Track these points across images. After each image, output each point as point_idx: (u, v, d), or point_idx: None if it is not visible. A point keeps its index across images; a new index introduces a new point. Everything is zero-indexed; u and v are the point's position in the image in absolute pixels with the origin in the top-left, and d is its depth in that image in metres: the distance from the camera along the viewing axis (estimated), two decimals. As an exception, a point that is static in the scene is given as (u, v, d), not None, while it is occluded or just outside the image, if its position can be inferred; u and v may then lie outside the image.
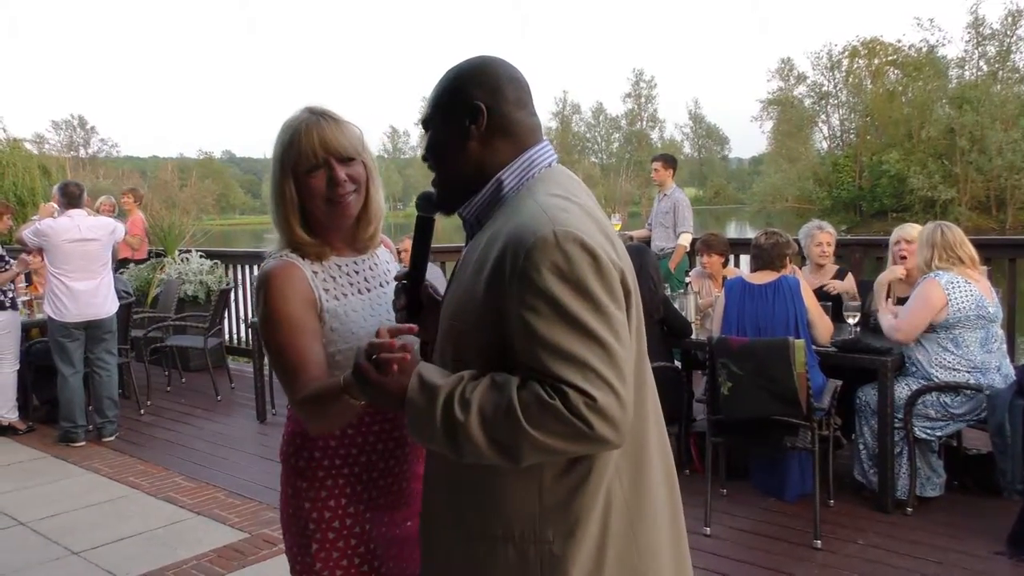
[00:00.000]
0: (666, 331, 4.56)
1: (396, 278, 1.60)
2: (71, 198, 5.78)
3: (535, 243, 1.23)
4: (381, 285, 1.79)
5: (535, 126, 1.45)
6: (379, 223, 1.78)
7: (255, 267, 8.75)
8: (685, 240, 7.13)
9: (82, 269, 5.68)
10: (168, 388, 7.45)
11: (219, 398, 6.98)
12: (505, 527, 1.33)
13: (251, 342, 6.65)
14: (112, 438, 5.88)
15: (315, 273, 1.67)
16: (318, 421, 1.55)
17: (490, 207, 1.41)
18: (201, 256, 8.47)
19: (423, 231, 1.52)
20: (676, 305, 4.92)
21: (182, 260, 8.43)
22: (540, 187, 1.37)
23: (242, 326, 8.79)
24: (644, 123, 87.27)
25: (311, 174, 1.64)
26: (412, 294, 1.53)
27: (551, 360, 1.20)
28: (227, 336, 8.45)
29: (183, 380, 7.70)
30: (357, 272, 1.75)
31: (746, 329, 4.11)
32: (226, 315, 7.99)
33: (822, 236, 5.05)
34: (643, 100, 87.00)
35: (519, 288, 1.23)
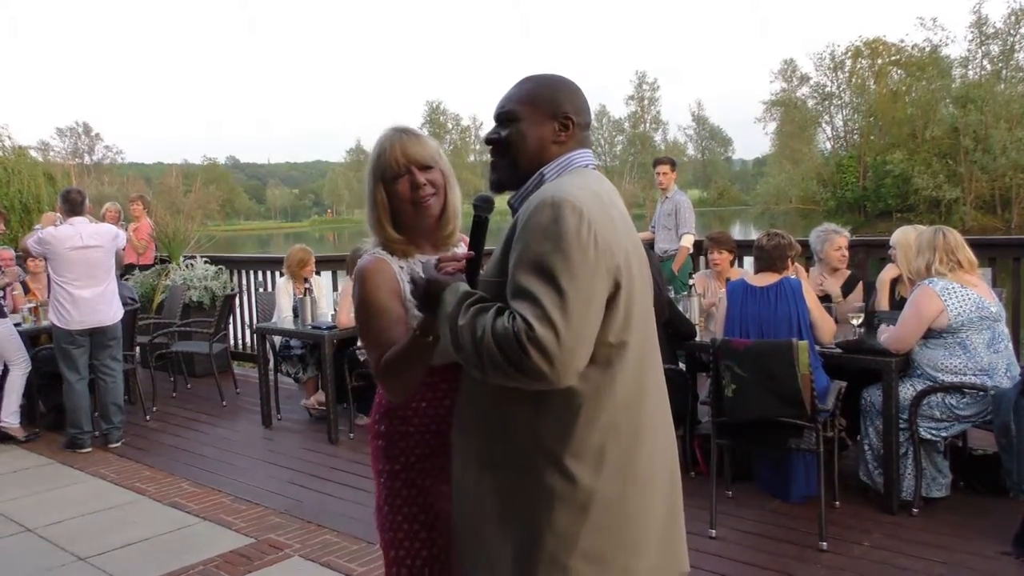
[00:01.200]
0: (671, 333, 4.56)
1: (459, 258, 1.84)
2: (73, 205, 5.80)
3: (537, 206, 1.47)
4: None
5: (588, 140, 1.74)
6: (457, 222, 2.04)
7: (259, 272, 8.79)
8: (687, 241, 7.14)
9: (85, 276, 5.70)
10: (174, 394, 7.47)
11: (224, 404, 6.99)
12: (505, 456, 1.54)
13: (256, 347, 6.66)
14: (118, 444, 5.89)
15: (401, 268, 1.93)
16: (395, 383, 1.79)
17: (531, 194, 1.62)
18: (206, 262, 8.50)
19: (480, 229, 1.71)
20: (680, 307, 4.91)
21: (187, 266, 8.45)
22: (569, 176, 1.61)
23: (247, 331, 8.82)
24: (647, 125, 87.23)
25: (397, 181, 1.93)
26: (469, 278, 1.69)
27: (515, 296, 1.43)
28: (232, 341, 8.48)
29: (188, 386, 7.72)
30: None
31: (749, 331, 4.11)
32: (231, 320, 8.02)
33: (840, 240, 5.01)
34: (646, 102, 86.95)
35: (516, 242, 1.47)
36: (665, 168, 7.52)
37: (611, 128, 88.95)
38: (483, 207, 1.69)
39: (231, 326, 8.12)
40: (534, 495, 1.50)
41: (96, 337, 5.83)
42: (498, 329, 1.40)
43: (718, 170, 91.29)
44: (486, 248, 1.69)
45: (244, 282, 8.86)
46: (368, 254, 1.95)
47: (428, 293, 1.60)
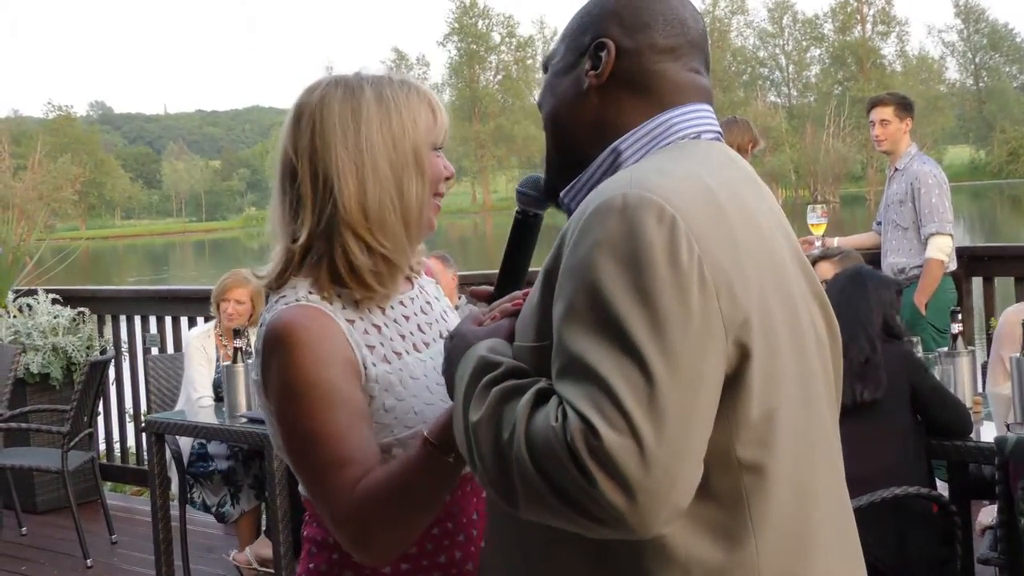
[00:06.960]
0: (919, 422, 4.49)
1: (475, 296, 1.88)
2: None
3: (596, 209, 1.49)
4: (442, 336, 2.04)
5: (690, 86, 1.73)
6: None
7: (153, 319, 8.83)
8: (938, 249, 6.93)
9: None
10: (-3, 545, 7.57)
11: (90, 564, 7.05)
12: None
13: (148, 457, 6.74)
14: None
15: (351, 323, 1.95)
16: (382, 534, 1.80)
17: (594, 186, 1.66)
18: (55, 301, 8.59)
19: (524, 234, 1.77)
20: (941, 373, 4.85)
21: (20, 309, 8.57)
22: (660, 155, 1.64)
23: (130, 428, 8.89)
24: (869, 27, 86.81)
25: (437, 156, 2.02)
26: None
27: (565, 371, 1.46)
28: (104, 447, 8.58)
29: (23, 531, 7.78)
30: (407, 318, 2.03)
31: None
32: (102, 409, 8.11)
33: None
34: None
35: (563, 274, 1.51)
36: (886, 113, 7.36)
37: (800, 34, 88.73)
38: (531, 199, 1.75)
39: (102, 418, 8.20)
40: None
41: None
42: (537, 432, 1.42)
43: (1008, 108, 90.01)
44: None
45: (125, 337, 8.96)
46: (291, 301, 1.94)
47: (449, 363, 1.69)
